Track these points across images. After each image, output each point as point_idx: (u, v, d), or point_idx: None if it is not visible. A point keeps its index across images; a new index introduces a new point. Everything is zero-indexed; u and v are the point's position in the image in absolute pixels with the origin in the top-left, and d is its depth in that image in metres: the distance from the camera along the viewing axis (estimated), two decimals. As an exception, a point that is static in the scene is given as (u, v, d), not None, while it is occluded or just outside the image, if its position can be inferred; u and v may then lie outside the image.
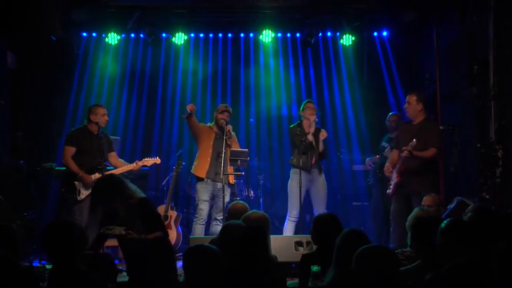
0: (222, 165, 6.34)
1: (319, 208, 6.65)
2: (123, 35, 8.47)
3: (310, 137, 6.60)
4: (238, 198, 7.19)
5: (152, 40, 8.33)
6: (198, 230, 6.46)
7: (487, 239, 3.35)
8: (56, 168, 7.06)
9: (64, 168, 6.45)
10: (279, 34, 8.76)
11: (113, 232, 4.51)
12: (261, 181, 8.03)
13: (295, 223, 6.64)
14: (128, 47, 8.77)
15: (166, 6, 8.16)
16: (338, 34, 8.59)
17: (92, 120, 6.35)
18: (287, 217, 6.72)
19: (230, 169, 6.61)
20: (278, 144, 8.89)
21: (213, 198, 6.60)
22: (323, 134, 6.70)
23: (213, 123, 6.79)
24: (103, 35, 8.41)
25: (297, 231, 6.58)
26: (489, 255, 3.01)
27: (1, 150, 7.59)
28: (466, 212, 4.33)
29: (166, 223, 6.73)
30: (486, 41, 6.34)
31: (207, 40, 8.95)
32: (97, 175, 6.18)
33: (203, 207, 6.49)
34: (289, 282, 4.14)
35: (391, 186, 6.24)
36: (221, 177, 6.32)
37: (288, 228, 6.65)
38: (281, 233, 6.71)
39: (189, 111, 6.47)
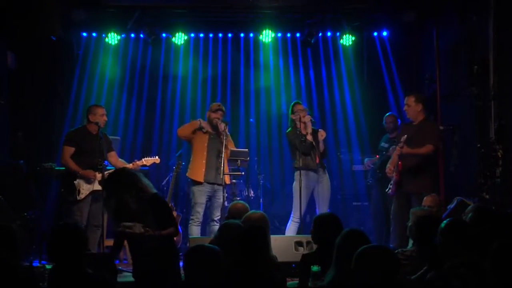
0: (222, 165, 6.33)
1: (322, 207, 6.66)
2: (123, 35, 8.47)
3: (309, 137, 6.59)
4: (238, 198, 7.19)
5: (152, 40, 8.33)
6: (195, 230, 6.46)
7: (487, 239, 3.35)
8: (56, 168, 7.06)
9: (64, 168, 6.45)
10: (279, 34, 8.76)
11: (133, 230, 4.41)
12: (261, 181, 8.03)
13: (298, 224, 6.63)
14: (128, 47, 8.77)
15: (166, 6, 8.16)
16: (338, 34, 8.59)
17: (91, 120, 6.35)
18: (290, 217, 6.72)
19: (226, 169, 6.58)
20: (278, 144, 8.88)
21: (209, 199, 6.57)
22: (322, 134, 6.70)
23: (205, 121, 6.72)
24: (103, 35, 8.41)
25: (298, 231, 6.58)
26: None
27: (1, 150, 7.59)
28: (466, 212, 4.33)
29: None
30: (486, 41, 6.34)
31: (207, 40, 8.95)
32: (97, 175, 6.18)
33: (200, 210, 6.48)
34: (289, 282, 4.14)
35: (392, 186, 6.25)
36: (222, 177, 6.32)
37: (291, 229, 6.66)
38: (281, 233, 6.72)
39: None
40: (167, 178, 7.95)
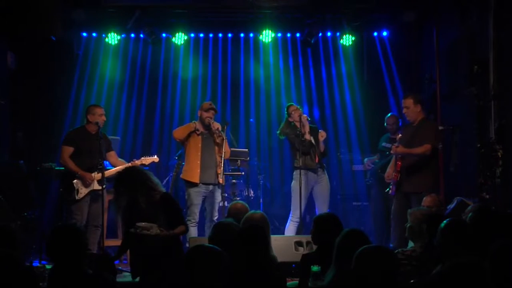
0: (222, 164, 6.31)
1: (322, 207, 6.66)
2: (123, 35, 8.47)
3: (308, 136, 6.59)
4: (238, 198, 7.18)
5: (152, 40, 8.34)
6: (192, 231, 6.44)
7: (487, 239, 3.35)
8: (56, 168, 7.06)
9: (63, 168, 6.45)
10: (279, 34, 8.76)
11: (150, 232, 4.35)
12: (261, 181, 8.03)
13: (297, 223, 6.63)
14: (128, 47, 8.77)
15: (166, 6, 8.17)
16: (338, 34, 8.59)
17: (90, 120, 6.36)
18: (289, 217, 6.71)
19: (220, 169, 6.47)
20: (278, 144, 8.88)
21: (206, 200, 6.50)
22: (322, 135, 6.68)
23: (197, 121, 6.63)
24: (103, 35, 8.41)
25: (297, 231, 6.58)
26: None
27: (1, 150, 7.59)
28: (466, 212, 4.33)
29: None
30: (486, 41, 6.34)
31: (207, 40, 8.95)
32: (96, 175, 6.19)
33: (196, 211, 6.44)
34: (289, 282, 4.14)
35: (392, 186, 6.25)
36: (222, 176, 6.30)
37: (290, 228, 6.66)
38: (281, 233, 6.71)
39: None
40: (167, 178, 7.95)
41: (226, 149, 6.41)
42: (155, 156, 6.71)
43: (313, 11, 8.20)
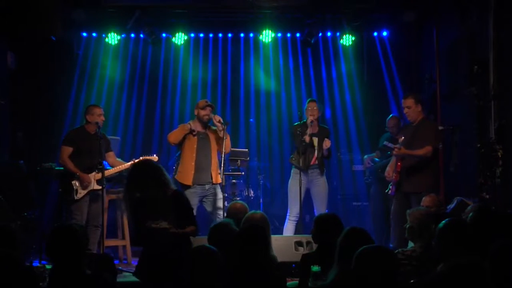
0: (223, 164, 6.28)
1: (320, 208, 6.65)
2: (123, 35, 8.47)
3: (307, 138, 6.57)
4: (238, 198, 7.18)
5: (152, 40, 8.33)
6: None
7: (487, 239, 3.35)
8: (56, 168, 7.05)
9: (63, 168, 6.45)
10: (279, 34, 8.76)
11: (159, 226, 4.25)
12: (261, 181, 8.03)
13: (295, 222, 6.63)
14: (128, 47, 8.78)
15: (166, 6, 8.17)
16: (338, 34, 8.59)
17: (88, 121, 6.37)
18: (287, 216, 6.71)
19: (215, 165, 6.39)
20: (278, 144, 8.89)
21: (204, 201, 6.41)
22: (326, 144, 6.57)
23: (193, 120, 6.55)
24: (103, 35, 8.41)
25: (297, 231, 6.57)
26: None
27: (1, 150, 7.59)
28: (466, 212, 4.33)
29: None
30: (486, 41, 6.34)
31: (207, 40, 8.95)
32: (96, 175, 6.19)
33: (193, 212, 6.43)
34: (289, 282, 4.14)
35: (391, 186, 6.24)
36: (222, 176, 6.27)
37: (288, 227, 6.65)
38: (281, 233, 6.71)
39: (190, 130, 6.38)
40: (167, 178, 7.94)
41: (227, 143, 6.32)
42: (155, 155, 6.70)
43: (313, 11, 8.20)
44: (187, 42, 8.69)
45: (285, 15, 8.37)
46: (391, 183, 6.24)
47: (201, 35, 8.91)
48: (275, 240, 4.92)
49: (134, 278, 4.71)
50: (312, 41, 8.47)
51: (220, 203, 6.32)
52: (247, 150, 6.92)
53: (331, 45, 8.92)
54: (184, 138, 6.39)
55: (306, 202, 6.82)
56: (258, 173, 8.13)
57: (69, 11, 7.65)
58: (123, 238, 6.79)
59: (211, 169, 6.32)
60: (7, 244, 3.42)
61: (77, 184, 6.21)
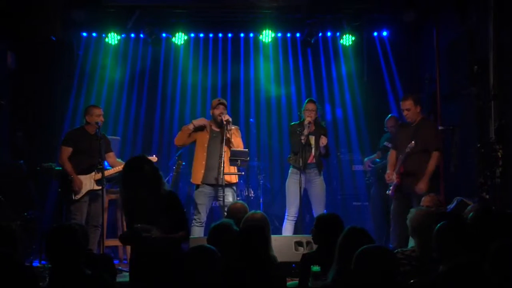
0: (223, 164, 6.29)
1: (318, 209, 6.63)
2: (123, 35, 8.47)
3: (304, 139, 6.56)
4: (238, 198, 7.17)
5: (152, 40, 8.34)
6: (196, 231, 6.42)
7: (487, 239, 3.35)
8: (56, 168, 7.06)
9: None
10: (279, 34, 8.76)
11: (152, 235, 4.06)
12: (261, 181, 8.04)
13: (294, 222, 6.62)
14: (128, 47, 8.78)
15: (166, 6, 8.16)
16: (338, 34, 8.59)
17: (87, 121, 6.37)
18: (285, 216, 6.70)
19: (230, 168, 6.40)
20: (278, 144, 8.89)
21: (214, 200, 6.43)
22: (322, 142, 6.57)
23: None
24: (103, 35, 8.41)
25: (297, 231, 6.57)
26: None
27: (1, 150, 7.59)
28: (466, 212, 4.33)
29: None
30: (486, 41, 6.33)
31: (207, 40, 8.96)
32: (95, 175, 6.20)
33: (201, 211, 6.42)
34: (289, 282, 4.14)
35: (392, 187, 6.24)
36: (221, 176, 6.27)
37: (287, 227, 6.63)
38: (281, 233, 6.70)
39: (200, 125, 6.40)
40: (167, 178, 7.95)
41: (235, 142, 6.35)
42: (154, 156, 6.70)
43: (313, 11, 8.20)
44: (187, 42, 8.69)
45: (285, 15, 8.36)
46: (391, 184, 6.24)
47: (201, 35, 8.91)
48: (275, 240, 4.91)
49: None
50: (312, 41, 8.47)
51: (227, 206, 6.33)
52: (247, 150, 6.89)
53: (331, 45, 8.92)
54: (196, 135, 6.45)
55: (306, 202, 6.81)
56: (258, 173, 8.13)
57: (69, 11, 7.65)
58: (123, 238, 6.78)
59: (221, 169, 6.26)
60: (7, 244, 3.42)
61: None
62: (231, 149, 6.36)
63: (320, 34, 8.56)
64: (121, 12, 8.07)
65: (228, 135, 6.32)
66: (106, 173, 6.24)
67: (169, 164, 8.26)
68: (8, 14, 6.81)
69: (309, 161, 6.63)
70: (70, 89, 8.56)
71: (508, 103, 6.11)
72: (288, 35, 8.87)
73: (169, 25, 8.46)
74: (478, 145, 6.23)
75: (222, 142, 6.34)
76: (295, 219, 6.61)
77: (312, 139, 6.66)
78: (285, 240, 5.74)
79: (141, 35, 8.56)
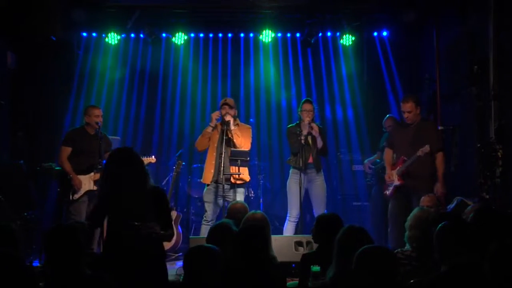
0: (223, 164, 6.29)
1: (319, 209, 6.63)
2: (123, 35, 8.48)
3: (303, 139, 6.54)
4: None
5: (152, 40, 8.34)
6: (203, 230, 6.42)
7: (487, 239, 3.35)
8: (56, 168, 7.06)
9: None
10: (279, 34, 8.76)
11: (156, 231, 3.90)
12: (261, 181, 8.03)
13: (295, 223, 6.61)
14: (128, 47, 8.78)
15: (166, 6, 8.17)
16: (338, 34, 8.60)
17: (86, 121, 6.38)
18: (287, 217, 6.70)
19: (232, 168, 6.40)
20: (278, 144, 8.89)
21: (220, 199, 6.41)
22: (315, 129, 6.52)
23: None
24: (103, 35, 8.42)
25: (297, 231, 6.56)
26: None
27: (1, 150, 7.59)
28: (466, 212, 4.33)
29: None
30: (486, 41, 6.33)
31: (207, 40, 8.96)
32: (94, 176, 6.20)
33: (208, 209, 6.44)
34: (289, 282, 4.14)
35: (390, 187, 6.23)
36: (221, 176, 6.27)
37: (288, 228, 6.63)
38: (281, 233, 6.70)
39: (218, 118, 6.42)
40: (167, 178, 7.96)
41: (237, 141, 6.37)
42: (153, 157, 6.71)
43: (313, 11, 8.21)
44: (187, 42, 8.70)
45: (285, 15, 8.37)
46: (390, 185, 6.23)
47: (201, 35, 8.92)
48: (275, 240, 4.91)
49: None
50: (312, 41, 8.48)
51: None
52: (247, 150, 6.90)
53: (331, 45, 8.92)
54: (210, 140, 6.50)
55: (306, 202, 6.81)
56: (258, 173, 8.12)
57: (69, 11, 7.65)
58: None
59: (221, 169, 6.26)
60: (7, 244, 3.42)
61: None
62: (231, 149, 6.36)
63: (320, 34, 8.56)
64: (121, 12, 8.08)
65: (229, 135, 6.33)
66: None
67: (169, 164, 8.26)
68: (8, 14, 6.81)
69: (309, 161, 6.63)
70: (70, 89, 8.57)
71: (508, 103, 6.11)
72: (288, 35, 8.87)
73: (169, 25, 8.47)
74: (478, 145, 6.23)
75: (222, 142, 6.35)
76: (297, 220, 6.61)
77: (310, 139, 6.63)
78: (285, 240, 5.75)
79: (141, 35, 8.57)
